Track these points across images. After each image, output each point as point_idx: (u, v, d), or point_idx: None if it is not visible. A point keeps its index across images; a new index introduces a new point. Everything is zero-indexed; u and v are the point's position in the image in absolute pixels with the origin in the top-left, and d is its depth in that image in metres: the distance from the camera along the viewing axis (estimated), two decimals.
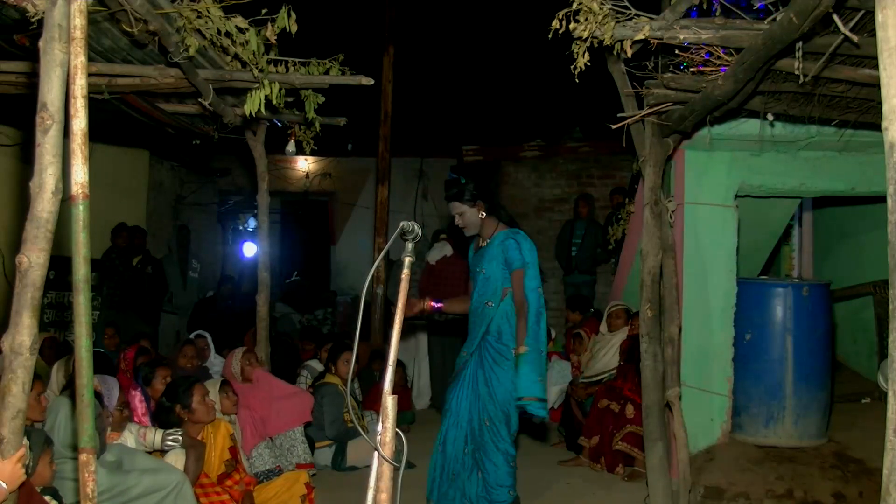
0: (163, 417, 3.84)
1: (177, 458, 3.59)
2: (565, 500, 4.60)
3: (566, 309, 6.80)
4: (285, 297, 10.44)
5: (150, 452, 3.61)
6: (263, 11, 3.39)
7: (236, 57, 3.65)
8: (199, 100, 3.97)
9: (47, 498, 2.77)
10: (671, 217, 4.19)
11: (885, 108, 1.62)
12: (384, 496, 1.75)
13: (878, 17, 1.63)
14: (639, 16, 2.86)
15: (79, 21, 1.90)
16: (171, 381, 4.05)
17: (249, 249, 11.02)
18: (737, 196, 4.56)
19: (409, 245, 1.99)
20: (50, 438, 2.84)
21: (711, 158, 4.52)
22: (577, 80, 2.97)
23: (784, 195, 4.84)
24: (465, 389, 3.72)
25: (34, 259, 1.98)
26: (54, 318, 6.52)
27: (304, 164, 11.00)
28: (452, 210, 3.72)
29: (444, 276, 6.78)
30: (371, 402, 5.75)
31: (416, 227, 2.01)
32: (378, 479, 1.75)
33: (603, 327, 5.85)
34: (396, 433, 1.81)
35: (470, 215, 3.70)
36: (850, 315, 5.94)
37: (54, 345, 5.30)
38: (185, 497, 3.34)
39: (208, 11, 3.15)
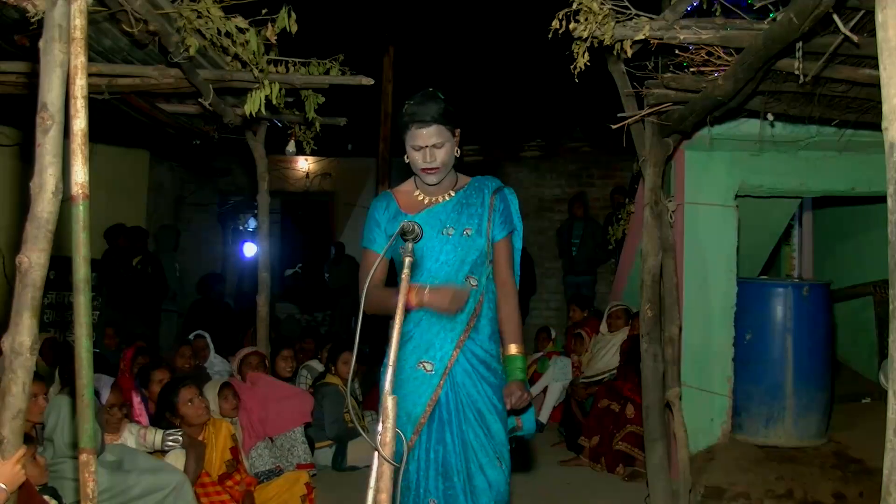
0: (162, 420, 3.83)
1: (177, 459, 3.59)
2: (565, 500, 4.60)
3: (572, 305, 6.80)
4: (285, 297, 10.38)
5: (150, 453, 3.61)
6: (263, 11, 3.39)
7: (236, 57, 3.66)
8: (200, 100, 3.98)
9: (46, 497, 2.77)
10: (671, 217, 4.19)
11: (885, 108, 1.62)
12: (384, 496, 1.75)
13: (878, 17, 1.63)
14: (639, 16, 2.86)
15: (79, 21, 1.90)
16: (163, 385, 4.03)
17: (249, 250, 11.01)
18: (737, 196, 4.56)
19: (410, 245, 1.99)
20: (29, 436, 2.83)
21: (711, 158, 4.52)
22: (577, 81, 2.97)
23: (784, 195, 4.84)
24: (449, 435, 2.42)
25: (34, 259, 1.98)
26: (54, 318, 6.53)
27: (305, 164, 11.00)
28: (424, 140, 2.41)
29: None
30: (371, 402, 5.75)
31: (416, 227, 2.01)
32: (378, 479, 1.75)
33: (603, 327, 5.85)
34: (396, 433, 1.81)
35: (449, 150, 2.46)
36: (850, 315, 5.94)
37: (55, 345, 5.30)
38: (186, 497, 3.34)
39: (208, 11, 3.15)
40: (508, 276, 2.57)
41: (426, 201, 2.56)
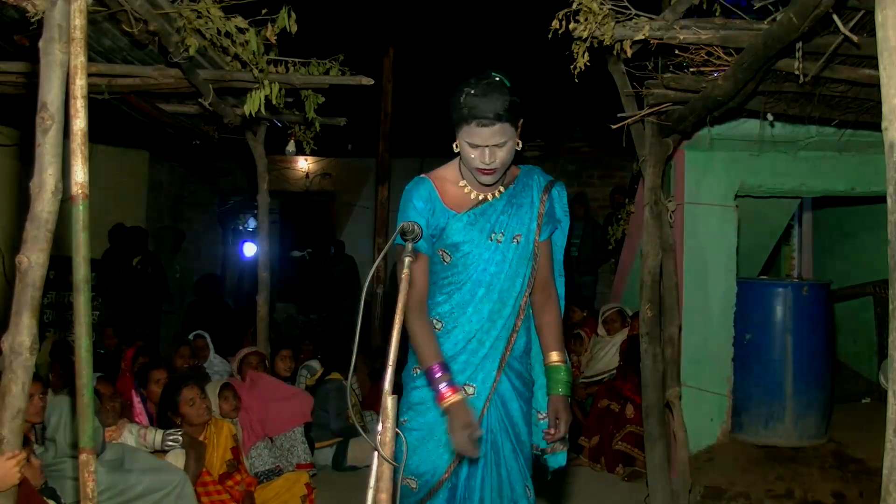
0: (164, 419, 3.84)
1: (177, 459, 3.59)
2: (565, 500, 4.60)
3: (571, 306, 6.80)
4: (284, 296, 10.29)
5: (151, 453, 3.61)
6: (263, 12, 3.40)
7: (236, 57, 3.66)
8: (200, 100, 3.98)
9: (44, 498, 2.77)
10: (671, 217, 4.19)
11: (885, 108, 1.62)
12: (384, 496, 1.74)
13: (878, 17, 1.63)
14: (639, 16, 2.86)
15: (79, 21, 1.90)
16: (166, 384, 4.04)
17: (249, 250, 11.01)
18: (737, 196, 4.56)
19: (409, 245, 1.98)
20: (25, 437, 2.83)
21: (711, 158, 4.52)
22: (576, 81, 2.97)
23: (784, 195, 4.84)
24: (488, 464, 2.20)
25: (34, 259, 1.99)
26: (54, 318, 6.53)
27: (304, 164, 11.01)
28: (485, 140, 2.07)
29: None
30: (371, 402, 5.75)
31: (416, 227, 1.99)
32: (378, 479, 1.75)
33: (600, 330, 5.84)
34: (396, 433, 1.81)
35: (511, 147, 2.13)
36: (850, 315, 5.94)
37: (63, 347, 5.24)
38: (186, 496, 3.34)
39: (208, 12, 3.15)
40: (550, 279, 2.31)
41: (473, 196, 2.23)
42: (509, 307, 2.23)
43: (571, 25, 2.80)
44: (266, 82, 3.70)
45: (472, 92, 2.05)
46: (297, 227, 11.54)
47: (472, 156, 2.10)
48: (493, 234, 2.20)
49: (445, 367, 2.11)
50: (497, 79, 2.09)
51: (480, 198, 2.24)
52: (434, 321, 2.24)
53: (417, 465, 2.18)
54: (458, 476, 2.19)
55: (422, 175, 2.25)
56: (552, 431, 2.23)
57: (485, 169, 2.12)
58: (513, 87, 2.08)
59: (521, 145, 2.17)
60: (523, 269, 2.24)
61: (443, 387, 2.08)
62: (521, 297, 2.25)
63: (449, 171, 2.27)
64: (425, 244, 2.19)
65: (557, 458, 2.40)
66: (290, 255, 10.46)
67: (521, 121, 2.14)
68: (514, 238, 2.22)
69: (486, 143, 2.07)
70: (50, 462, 3.05)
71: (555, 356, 2.26)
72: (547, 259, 2.30)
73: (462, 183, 2.24)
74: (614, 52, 3.00)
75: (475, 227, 2.20)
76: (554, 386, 2.25)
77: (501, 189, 2.25)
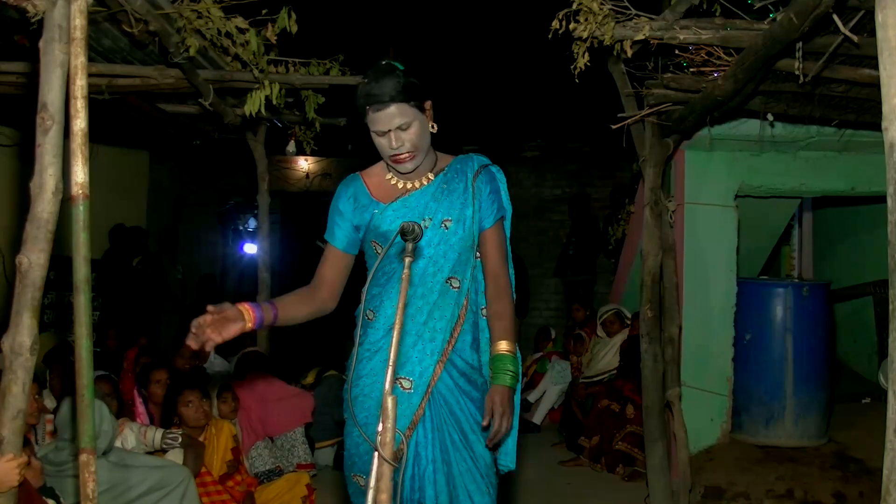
0: (168, 420, 3.84)
1: (175, 458, 3.59)
2: (565, 500, 4.60)
3: (575, 305, 6.81)
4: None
5: (151, 452, 3.61)
6: (264, 12, 3.40)
7: (236, 57, 3.66)
8: (200, 100, 3.98)
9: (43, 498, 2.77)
10: (671, 217, 4.19)
11: (885, 108, 1.62)
12: (384, 496, 1.74)
13: (878, 17, 1.63)
14: (639, 16, 2.86)
15: (79, 21, 1.90)
16: (169, 385, 4.04)
17: (250, 250, 11.01)
18: (737, 196, 4.56)
19: (410, 245, 1.98)
20: (25, 438, 2.83)
21: (711, 158, 4.53)
22: (577, 81, 2.97)
23: (784, 195, 4.84)
24: (431, 464, 2.13)
25: (34, 259, 1.99)
26: (54, 318, 6.52)
27: (305, 165, 11.01)
28: (385, 124, 2.07)
29: None
30: None
31: (416, 227, 1.99)
32: (378, 480, 1.75)
33: (599, 332, 5.84)
34: (396, 433, 1.80)
35: (420, 128, 2.11)
36: (850, 315, 5.94)
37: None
38: (190, 494, 3.34)
39: (208, 12, 3.16)
40: (501, 268, 2.22)
41: (401, 187, 2.21)
42: (440, 294, 2.16)
43: (571, 26, 2.80)
44: (266, 82, 3.71)
45: (366, 81, 2.10)
46: (297, 228, 11.54)
47: (382, 144, 2.12)
48: (422, 221, 2.16)
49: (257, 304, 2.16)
50: (386, 63, 2.12)
51: (409, 186, 2.22)
52: (368, 312, 2.22)
53: (366, 462, 2.05)
54: (404, 475, 2.09)
55: (354, 173, 2.30)
56: (484, 423, 2.07)
57: (395, 155, 2.11)
58: (407, 70, 2.11)
59: (434, 128, 2.16)
60: (454, 254, 2.18)
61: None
62: (461, 286, 2.19)
63: (377, 166, 2.30)
64: (344, 238, 2.24)
65: (507, 460, 2.25)
66: (316, 244, 10.09)
67: (429, 102, 2.15)
68: (442, 223, 2.18)
69: (387, 128, 2.08)
70: (63, 461, 3.05)
71: (503, 346, 2.14)
72: (496, 247, 2.22)
73: (389, 176, 2.24)
74: (614, 53, 3.00)
75: (404, 217, 2.16)
76: (496, 375, 2.11)
77: (431, 176, 2.23)
